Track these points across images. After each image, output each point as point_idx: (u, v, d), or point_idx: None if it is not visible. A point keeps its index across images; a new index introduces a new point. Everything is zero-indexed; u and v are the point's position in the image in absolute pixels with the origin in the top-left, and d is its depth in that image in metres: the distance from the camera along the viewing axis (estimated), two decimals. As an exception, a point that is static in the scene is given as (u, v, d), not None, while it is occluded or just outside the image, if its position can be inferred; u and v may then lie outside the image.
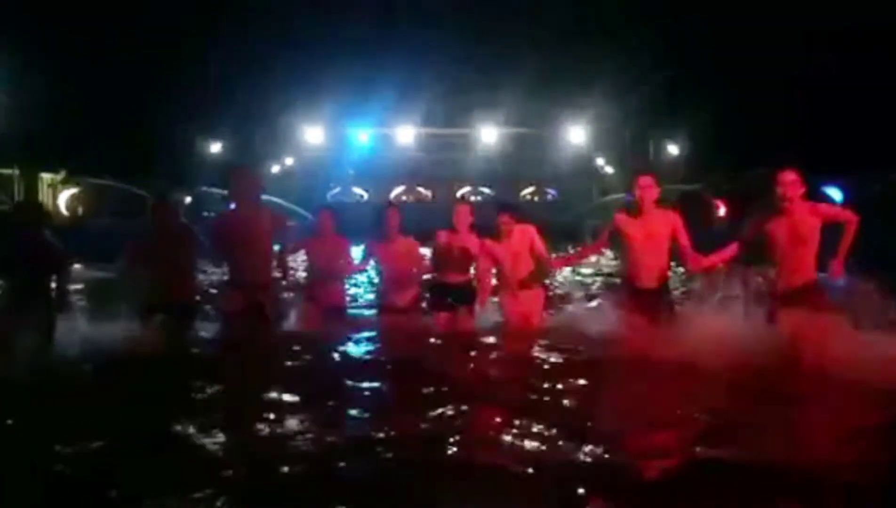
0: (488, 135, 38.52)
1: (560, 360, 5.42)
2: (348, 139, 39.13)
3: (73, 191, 24.89)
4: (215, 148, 36.27)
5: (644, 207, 5.94)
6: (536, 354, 5.67)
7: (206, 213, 21.52)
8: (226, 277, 6.51)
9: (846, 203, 12.60)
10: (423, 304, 6.91)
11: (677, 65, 28.03)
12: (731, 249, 5.72)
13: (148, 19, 28.63)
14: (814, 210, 5.38)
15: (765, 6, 25.78)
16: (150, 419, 4.08)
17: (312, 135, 38.31)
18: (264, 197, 6.87)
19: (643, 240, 5.93)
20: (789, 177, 5.38)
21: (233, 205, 6.46)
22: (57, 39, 24.96)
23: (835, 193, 16.37)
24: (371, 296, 8.27)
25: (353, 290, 9.45)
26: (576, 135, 37.82)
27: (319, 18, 32.76)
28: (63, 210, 24.23)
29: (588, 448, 3.49)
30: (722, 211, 20.75)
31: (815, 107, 23.61)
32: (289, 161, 38.90)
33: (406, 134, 38.57)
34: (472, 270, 6.75)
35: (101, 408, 4.28)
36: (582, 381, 4.81)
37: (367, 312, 7.49)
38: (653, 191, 5.97)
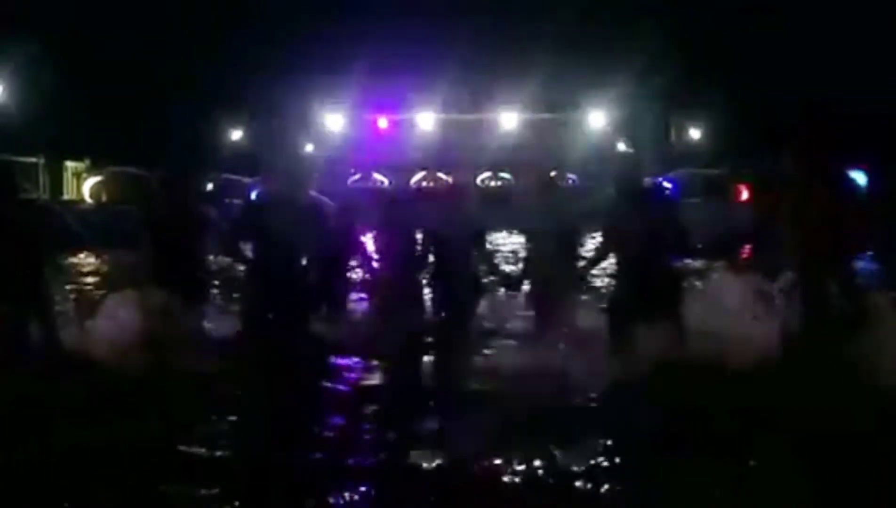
0: (509, 120, 38.23)
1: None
2: (368, 125, 39.02)
3: (98, 178, 25.17)
4: (236, 135, 36.44)
5: None
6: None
7: (227, 200, 21.60)
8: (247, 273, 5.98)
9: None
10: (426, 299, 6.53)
11: (698, 48, 27.66)
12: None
13: (169, 6, 28.73)
14: (834, 190, 4.84)
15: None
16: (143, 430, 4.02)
17: (333, 121, 38.26)
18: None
19: None
20: (808, 147, 4.91)
21: (254, 195, 6.12)
22: (79, 26, 25.13)
23: (859, 177, 16.07)
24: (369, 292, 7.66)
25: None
26: (596, 119, 37.47)
27: (339, 4, 32.71)
28: (87, 197, 24.59)
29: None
30: (745, 195, 20.51)
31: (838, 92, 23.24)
32: (309, 147, 38.88)
33: (426, 120, 38.41)
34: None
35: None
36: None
37: (364, 306, 6.98)
38: None
